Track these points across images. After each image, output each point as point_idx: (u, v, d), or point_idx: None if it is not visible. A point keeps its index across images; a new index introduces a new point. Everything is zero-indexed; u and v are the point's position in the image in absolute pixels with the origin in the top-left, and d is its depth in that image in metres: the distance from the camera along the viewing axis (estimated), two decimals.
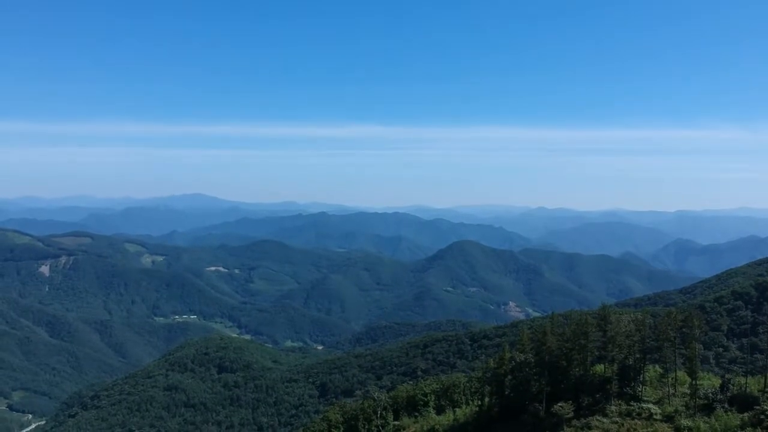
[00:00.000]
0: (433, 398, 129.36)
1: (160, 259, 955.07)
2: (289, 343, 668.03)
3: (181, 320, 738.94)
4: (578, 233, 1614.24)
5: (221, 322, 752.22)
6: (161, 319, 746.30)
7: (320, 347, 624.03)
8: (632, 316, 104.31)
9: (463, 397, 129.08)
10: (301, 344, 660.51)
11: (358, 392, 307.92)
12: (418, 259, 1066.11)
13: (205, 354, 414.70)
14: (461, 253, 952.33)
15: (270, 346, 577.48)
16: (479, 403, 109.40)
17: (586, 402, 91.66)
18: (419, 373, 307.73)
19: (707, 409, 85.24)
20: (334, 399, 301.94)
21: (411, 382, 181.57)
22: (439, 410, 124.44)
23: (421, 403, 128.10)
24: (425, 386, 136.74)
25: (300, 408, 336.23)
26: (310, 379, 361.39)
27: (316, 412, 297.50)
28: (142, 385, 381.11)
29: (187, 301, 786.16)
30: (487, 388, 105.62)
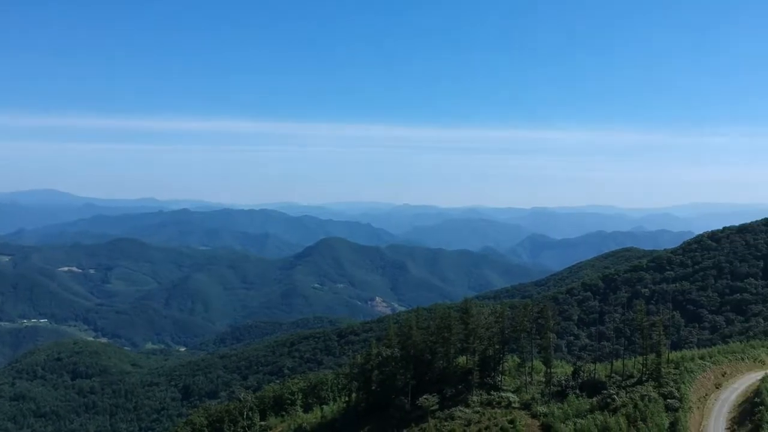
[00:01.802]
0: (300, 396, 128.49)
1: (6, 259, 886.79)
2: (149, 346, 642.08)
3: (30, 324, 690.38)
4: (441, 229, 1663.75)
5: (75, 326, 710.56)
6: (7, 323, 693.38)
7: (183, 349, 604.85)
8: (492, 308, 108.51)
9: (330, 394, 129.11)
10: (162, 346, 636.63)
11: (223, 393, 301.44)
12: (285, 257, 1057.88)
13: (57, 360, 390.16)
14: (329, 249, 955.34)
15: (129, 349, 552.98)
16: (347, 399, 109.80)
17: (449, 393, 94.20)
18: (286, 371, 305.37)
19: (560, 395, 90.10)
20: (198, 402, 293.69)
21: (278, 382, 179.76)
22: (307, 408, 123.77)
23: (289, 402, 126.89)
24: (292, 385, 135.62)
25: (162, 412, 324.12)
26: (173, 382, 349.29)
27: (179, 415, 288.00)
28: None
29: (37, 304, 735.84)
30: (355, 384, 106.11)
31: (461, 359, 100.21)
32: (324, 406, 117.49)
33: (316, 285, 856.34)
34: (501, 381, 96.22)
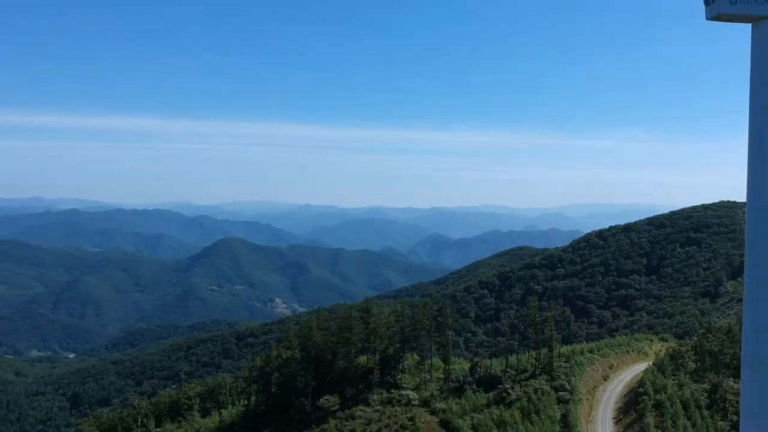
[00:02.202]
0: (197, 401, 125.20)
1: None
2: (35, 353, 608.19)
3: None
4: (343, 229, 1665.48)
5: None
6: None
7: (72, 355, 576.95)
8: (392, 307, 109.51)
9: (229, 398, 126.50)
10: (49, 353, 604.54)
11: (116, 401, 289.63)
12: (181, 258, 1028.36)
13: None
14: (227, 250, 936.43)
15: (12, 357, 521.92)
16: (246, 402, 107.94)
17: (350, 393, 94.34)
18: (183, 376, 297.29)
19: (459, 391, 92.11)
20: (88, 410, 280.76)
21: (174, 387, 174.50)
22: (205, 413, 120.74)
23: (185, 407, 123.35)
24: (189, 390, 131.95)
25: (48, 423, 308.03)
26: (60, 391, 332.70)
27: (68, 425, 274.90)
28: None
29: None
30: (254, 387, 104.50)
31: (362, 359, 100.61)
32: (222, 411, 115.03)
33: (214, 287, 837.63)
34: (401, 379, 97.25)
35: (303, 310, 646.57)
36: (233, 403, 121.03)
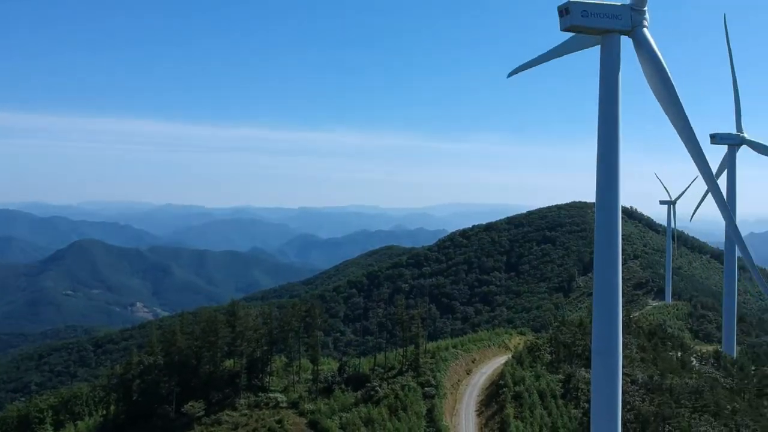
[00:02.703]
0: (50, 414, 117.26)
1: None
2: None
3: None
4: (208, 230, 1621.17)
5: None
6: None
7: None
8: (260, 309, 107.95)
9: (86, 409, 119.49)
10: None
11: None
12: (32, 262, 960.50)
13: None
14: (83, 253, 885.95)
15: None
16: (104, 412, 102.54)
17: (216, 398, 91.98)
18: (34, 387, 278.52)
19: (327, 391, 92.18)
20: None
21: (23, 400, 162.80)
22: (59, 426, 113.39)
23: (36, 420, 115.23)
24: (41, 402, 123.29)
25: None
26: None
27: None
28: None
29: None
30: (114, 396, 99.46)
31: (228, 362, 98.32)
32: (78, 422, 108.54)
33: (69, 291, 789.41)
34: (269, 382, 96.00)
35: (166, 314, 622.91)
36: (90, 414, 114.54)
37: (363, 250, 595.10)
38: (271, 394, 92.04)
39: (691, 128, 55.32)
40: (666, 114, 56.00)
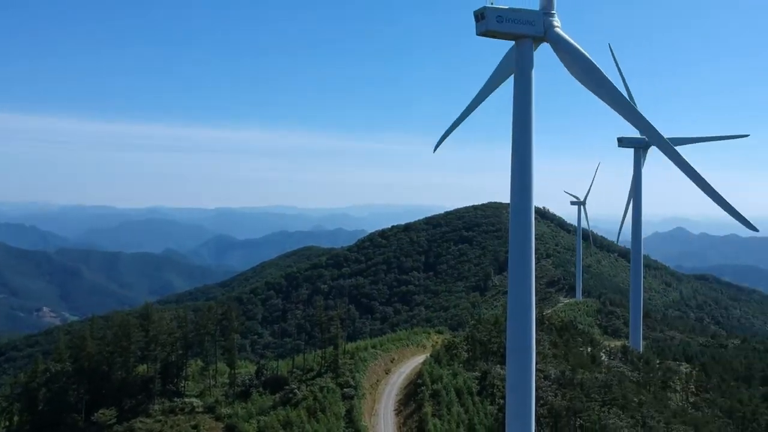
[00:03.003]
0: None
1: None
2: None
3: None
4: (119, 231, 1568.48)
5: None
6: None
7: None
8: (175, 312, 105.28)
9: None
10: None
11: None
12: None
13: None
14: None
15: None
16: (7, 423, 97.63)
17: (129, 405, 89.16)
18: None
19: (245, 394, 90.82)
20: None
21: None
22: None
23: None
24: None
25: None
26: None
27: None
28: None
29: None
30: (17, 406, 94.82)
31: (142, 368, 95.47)
32: None
33: None
34: (184, 387, 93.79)
35: (75, 318, 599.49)
36: None
37: (281, 251, 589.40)
38: (186, 399, 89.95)
39: (632, 106, 57.25)
40: (605, 101, 57.21)
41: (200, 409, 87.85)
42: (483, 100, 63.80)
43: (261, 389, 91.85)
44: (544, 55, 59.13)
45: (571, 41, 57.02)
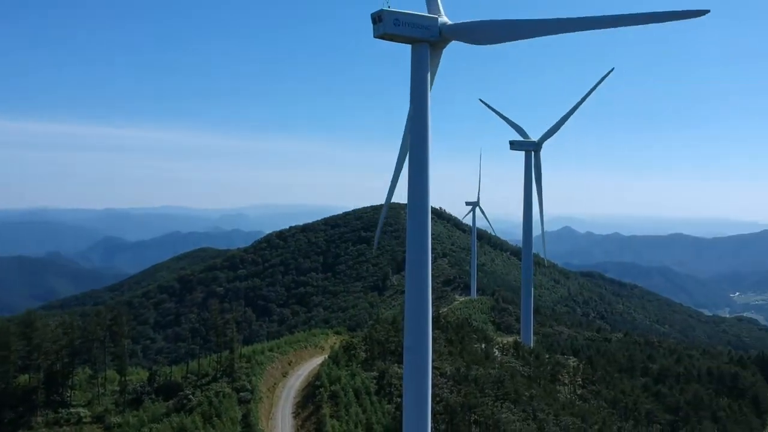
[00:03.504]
0: None
1: None
2: None
3: None
4: None
5: None
6: None
7: None
8: (60, 319, 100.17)
9: None
10: None
11: None
12: None
13: None
14: None
15: None
16: None
17: (9, 417, 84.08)
18: None
19: (136, 402, 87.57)
20: None
21: None
22: None
23: None
24: None
25: None
26: None
27: None
28: None
29: None
30: None
31: (23, 378, 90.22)
32: None
33: None
34: (71, 396, 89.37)
35: None
36: None
37: (174, 253, 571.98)
38: (72, 410, 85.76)
39: (560, 19, 54.08)
40: (532, 37, 57.10)
41: (88, 419, 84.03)
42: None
43: (153, 396, 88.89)
44: (442, 59, 60.58)
45: (466, 21, 58.76)
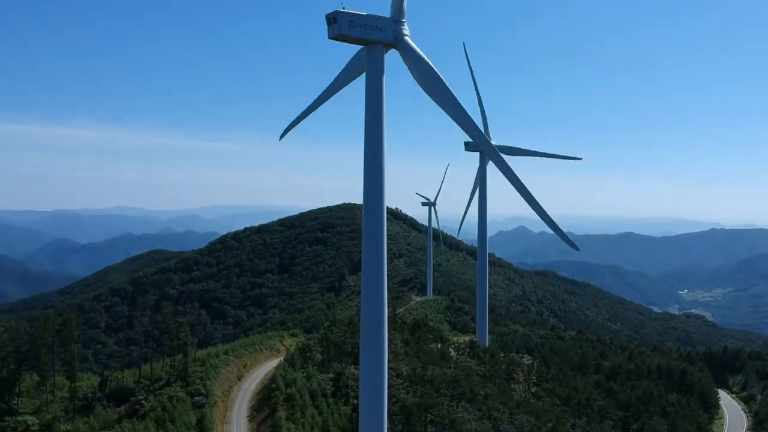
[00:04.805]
0: None
1: None
2: None
3: None
4: None
5: None
6: None
7: None
8: (6, 324, 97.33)
9: None
10: None
11: None
12: None
13: None
14: None
15: None
16: None
17: None
18: None
19: (87, 409, 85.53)
20: None
21: None
22: None
23: None
24: None
25: None
26: None
27: None
28: None
29: None
30: None
31: None
32: None
33: None
34: (18, 404, 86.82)
35: None
36: None
37: (127, 255, 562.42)
38: (20, 417, 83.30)
39: (468, 116, 60.20)
40: (444, 111, 60.10)
41: (36, 427, 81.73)
42: (330, 97, 64.28)
43: (105, 402, 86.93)
44: (397, 59, 60.76)
45: (419, 51, 59.00)
